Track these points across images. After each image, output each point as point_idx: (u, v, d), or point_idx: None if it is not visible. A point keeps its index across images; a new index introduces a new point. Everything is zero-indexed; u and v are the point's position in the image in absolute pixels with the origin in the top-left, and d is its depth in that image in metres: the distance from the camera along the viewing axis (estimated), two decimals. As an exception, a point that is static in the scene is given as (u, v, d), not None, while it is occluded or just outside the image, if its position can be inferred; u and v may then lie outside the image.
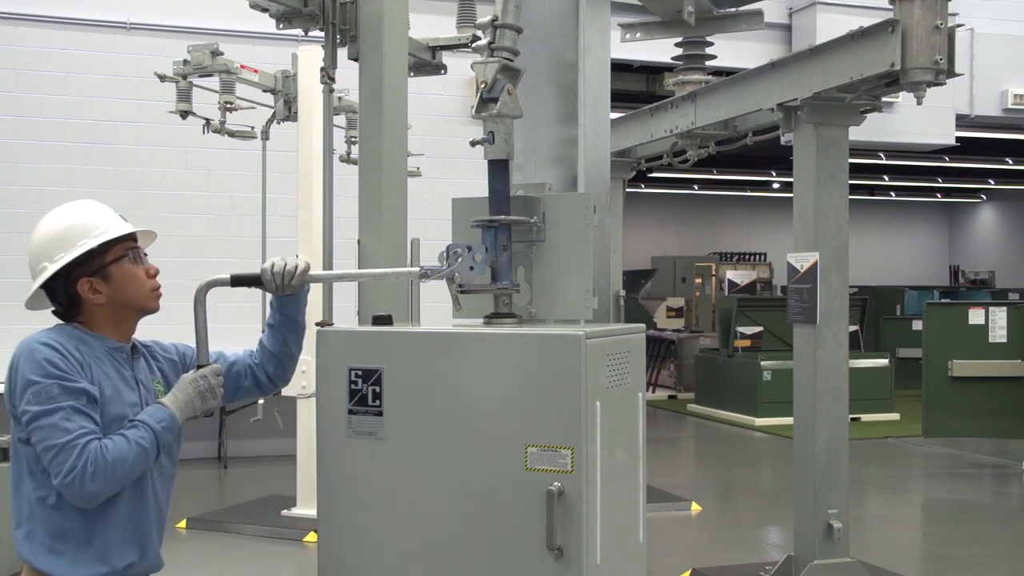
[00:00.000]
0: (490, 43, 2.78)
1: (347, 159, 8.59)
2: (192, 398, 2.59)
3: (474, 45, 2.86)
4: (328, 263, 4.52)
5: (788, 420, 6.40)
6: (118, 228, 2.60)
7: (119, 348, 2.60)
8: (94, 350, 2.52)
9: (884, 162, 17.43)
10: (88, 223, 2.59)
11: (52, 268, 2.58)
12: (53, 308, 2.69)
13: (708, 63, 6.77)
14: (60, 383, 2.36)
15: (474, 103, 2.77)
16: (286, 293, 2.83)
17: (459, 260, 2.70)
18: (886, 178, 20.94)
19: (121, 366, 2.57)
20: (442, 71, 5.44)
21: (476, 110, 2.76)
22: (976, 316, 10.10)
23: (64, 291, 2.60)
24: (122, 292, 2.58)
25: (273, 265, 2.77)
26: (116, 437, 2.39)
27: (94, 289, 2.56)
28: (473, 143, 2.80)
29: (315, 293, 5.78)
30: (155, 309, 2.70)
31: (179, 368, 2.78)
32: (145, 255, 2.69)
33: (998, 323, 10.03)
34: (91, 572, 2.44)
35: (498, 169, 2.83)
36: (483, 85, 2.75)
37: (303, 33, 4.85)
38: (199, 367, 2.68)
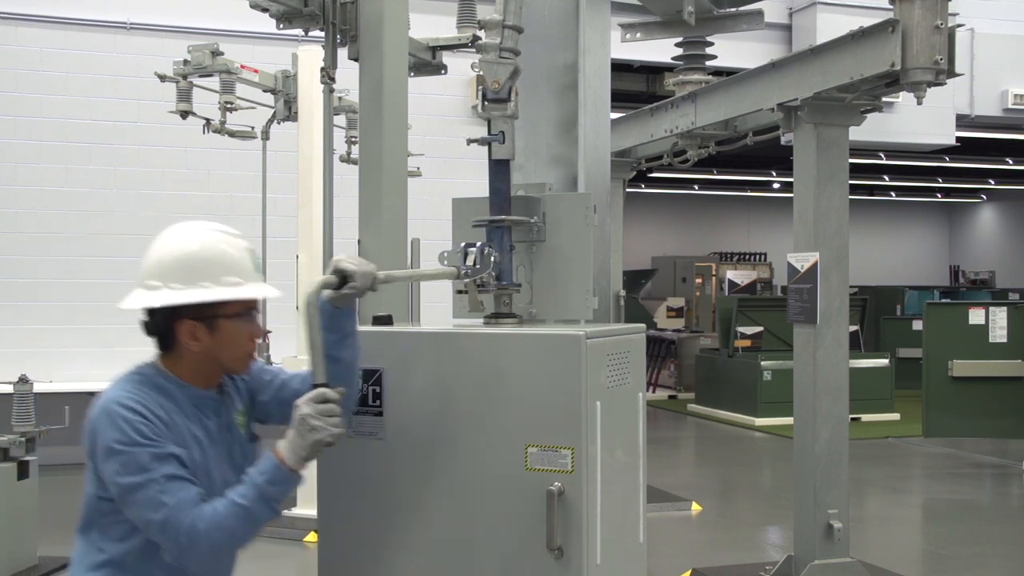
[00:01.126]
0: (500, 44, 2.79)
1: (347, 159, 8.59)
2: (293, 438, 2.22)
3: (476, 44, 2.86)
4: (328, 263, 4.51)
5: (788, 420, 6.40)
6: (255, 289, 2.33)
7: (205, 397, 2.35)
8: (179, 403, 2.28)
9: (884, 162, 17.43)
10: (223, 264, 2.28)
11: (163, 298, 2.28)
12: (145, 322, 2.40)
13: (708, 63, 6.77)
14: (148, 450, 2.14)
15: (476, 103, 2.77)
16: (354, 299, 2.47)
17: (492, 260, 2.69)
18: (886, 178, 20.94)
19: (207, 417, 2.34)
20: (442, 71, 5.44)
21: (484, 108, 2.75)
22: (976, 316, 10.10)
23: (161, 321, 2.33)
24: (221, 349, 2.30)
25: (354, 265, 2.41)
26: (218, 501, 2.16)
27: (194, 336, 2.28)
28: (480, 141, 2.80)
29: (315, 293, 5.79)
30: (242, 372, 2.42)
31: (254, 388, 2.52)
32: (256, 312, 2.41)
33: (998, 323, 10.03)
34: None
35: (503, 169, 2.84)
36: (495, 85, 2.75)
37: (303, 33, 4.85)
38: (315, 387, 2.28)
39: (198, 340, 2.28)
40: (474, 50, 3.64)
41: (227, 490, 2.19)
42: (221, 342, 2.29)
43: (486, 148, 2.86)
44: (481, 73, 2.79)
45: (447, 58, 5.44)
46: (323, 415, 2.21)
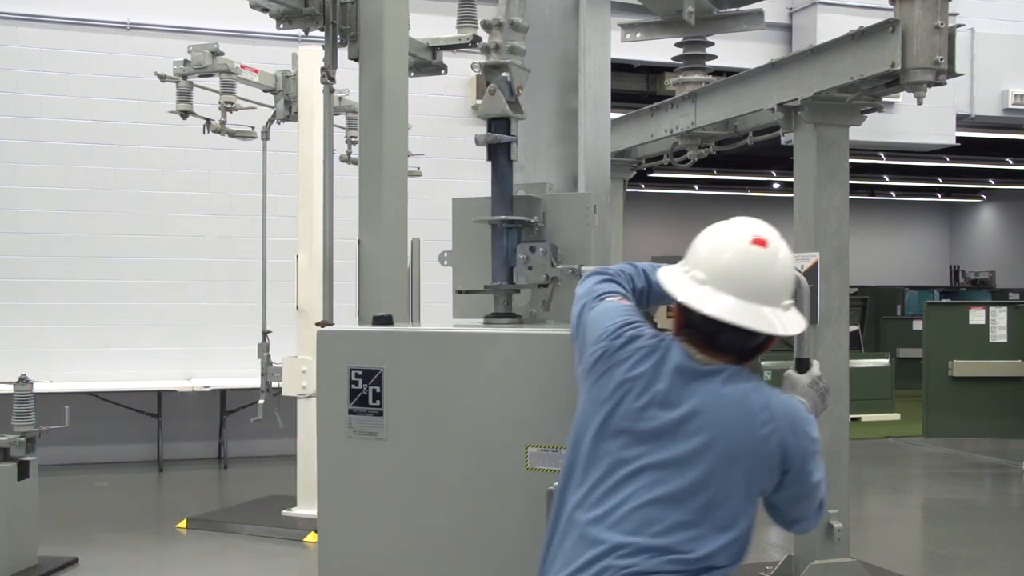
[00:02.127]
0: (511, 48, 2.83)
1: (347, 159, 8.58)
2: (816, 402, 2.41)
3: (481, 46, 2.87)
4: (328, 263, 4.51)
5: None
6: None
7: None
8: None
9: (884, 162, 17.41)
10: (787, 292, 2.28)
11: (796, 322, 2.24)
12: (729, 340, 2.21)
13: (708, 63, 6.76)
14: None
15: (476, 102, 2.80)
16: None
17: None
18: (886, 178, 20.93)
19: None
20: (442, 71, 5.43)
21: (515, 111, 2.81)
22: (976, 316, 10.10)
23: (765, 341, 2.25)
24: None
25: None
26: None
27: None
28: (497, 143, 2.82)
29: (315, 293, 5.79)
30: None
31: None
32: None
33: (998, 323, 10.02)
34: None
35: (511, 170, 2.87)
36: (520, 90, 2.80)
37: (303, 33, 4.85)
38: (799, 361, 2.47)
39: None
40: (477, 50, 3.64)
41: None
42: None
43: (486, 148, 2.86)
44: (480, 73, 2.80)
45: (447, 58, 5.44)
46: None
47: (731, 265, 2.16)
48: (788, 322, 2.19)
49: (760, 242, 2.19)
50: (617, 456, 2.14)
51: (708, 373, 2.16)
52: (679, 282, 2.20)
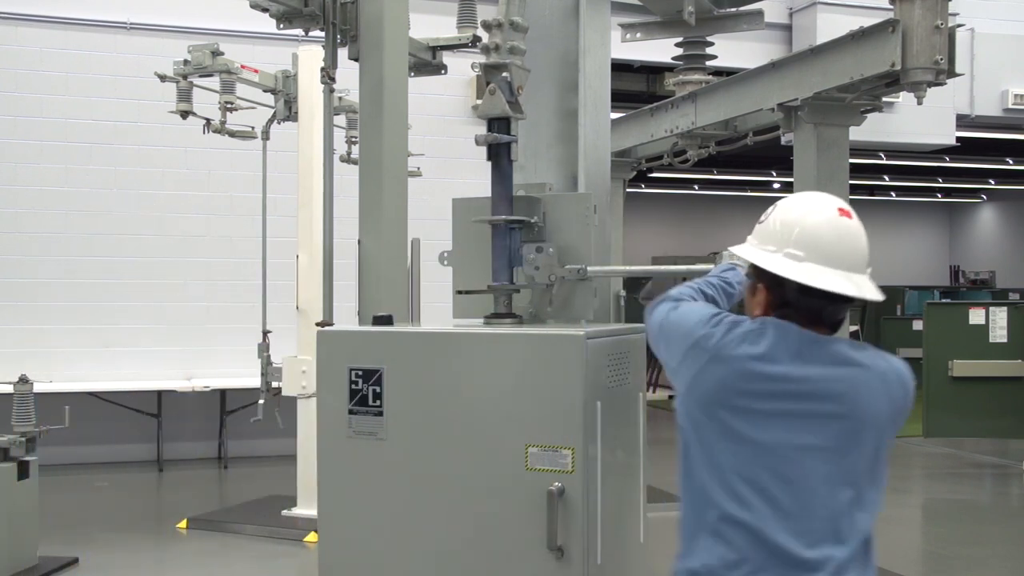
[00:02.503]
0: (511, 48, 2.84)
1: (347, 159, 8.58)
2: None
3: (482, 46, 2.87)
4: (328, 263, 4.51)
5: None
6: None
7: None
8: None
9: (884, 162, 17.41)
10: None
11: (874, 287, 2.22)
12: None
13: (708, 63, 6.76)
14: None
15: (476, 102, 2.81)
16: None
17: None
18: (886, 178, 20.92)
19: None
20: (442, 71, 5.44)
21: (515, 111, 2.81)
22: (976, 316, 10.09)
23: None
24: None
25: None
26: None
27: None
28: (498, 143, 2.82)
29: (315, 293, 5.79)
30: None
31: None
32: None
33: (998, 323, 10.02)
34: None
35: (511, 170, 2.87)
36: (520, 90, 2.80)
37: (303, 33, 4.85)
38: None
39: None
40: (477, 50, 3.64)
41: None
42: None
43: (486, 148, 2.86)
44: (480, 73, 2.81)
45: (447, 58, 5.44)
46: None
47: (831, 241, 2.15)
48: (873, 288, 2.20)
49: (846, 213, 2.20)
50: (782, 442, 2.09)
51: (831, 343, 2.16)
52: (782, 264, 2.14)
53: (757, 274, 2.22)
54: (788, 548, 2.04)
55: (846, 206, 2.20)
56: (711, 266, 2.77)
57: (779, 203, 2.28)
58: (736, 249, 2.32)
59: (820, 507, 2.08)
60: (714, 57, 6.80)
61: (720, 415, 2.12)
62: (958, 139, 12.34)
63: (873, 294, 2.16)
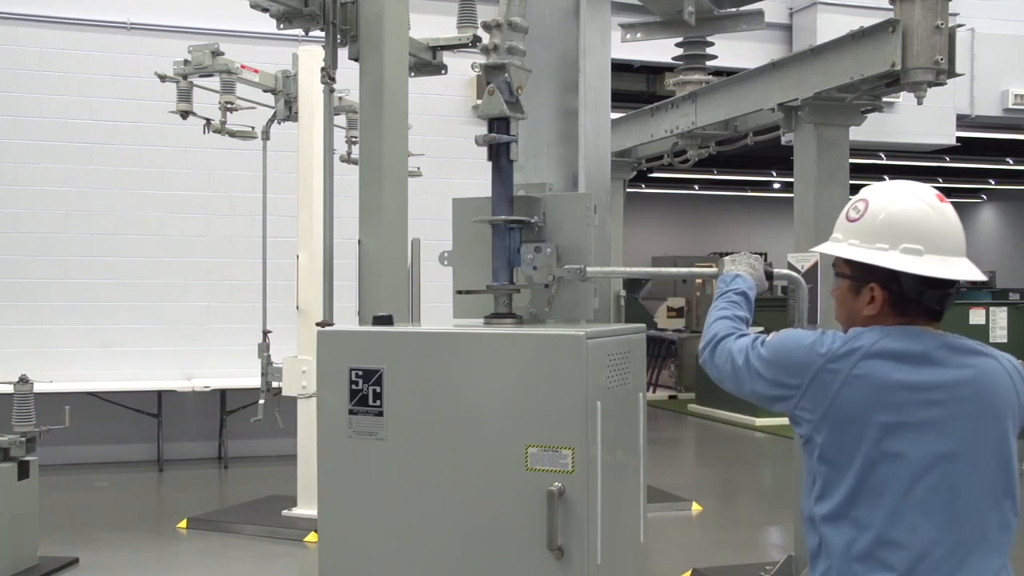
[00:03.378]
0: (514, 46, 2.84)
1: (348, 159, 8.58)
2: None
3: (482, 46, 2.87)
4: (328, 263, 4.51)
5: (788, 420, 6.39)
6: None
7: None
8: None
9: (884, 162, 17.41)
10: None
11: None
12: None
13: (708, 63, 6.76)
14: None
15: (476, 102, 2.81)
16: None
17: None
18: (886, 178, 20.93)
19: None
20: (442, 71, 5.44)
21: (515, 111, 2.81)
22: (977, 316, 10.10)
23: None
24: None
25: None
26: None
27: None
28: (498, 143, 2.82)
29: (315, 293, 5.79)
30: None
31: None
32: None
33: (999, 323, 10.03)
34: None
35: (511, 170, 2.87)
36: (520, 90, 2.80)
37: (303, 33, 4.85)
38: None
39: None
40: (476, 50, 3.64)
41: None
42: None
43: (486, 148, 2.86)
44: (480, 73, 2.81)
45: (447, 58, 5.44)
46: None
47: (942, 229, 2.12)
48: (973, 266, 2.19)
49: (942, 198, 2.17)
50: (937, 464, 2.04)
51: (957, 340, 2.18)
52: (910, 262, 2.08)
53: (864, 274, 2.14)
54: (948, 567, 2.00)
55: (936, 191, 2.18)
56: (712, 267, 2.76)
57: (869, 196, 2.19)
58: (834, 250, 2.20)
59: (980, 517, 2.05)
60: (714, 57, 6.80)
61: (869, 434, 2.04)
62: (958, 139, 12.34)
63: (978, 272, 2.17)
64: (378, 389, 2.60)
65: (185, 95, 7.31)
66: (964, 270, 2.12)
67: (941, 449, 2.04)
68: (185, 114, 7.35)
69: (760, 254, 2.77)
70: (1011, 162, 17.82)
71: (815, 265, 5.51)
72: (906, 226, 2.10)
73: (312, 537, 6.82)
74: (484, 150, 2.86)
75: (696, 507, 8.26)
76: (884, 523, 2.02)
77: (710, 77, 6.68)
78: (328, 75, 4.51)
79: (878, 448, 2.04)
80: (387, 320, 2.77)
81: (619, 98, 10.14)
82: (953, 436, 2.05)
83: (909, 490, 2.02)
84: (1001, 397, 2.11)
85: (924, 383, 2.06)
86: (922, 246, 2.09)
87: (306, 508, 7.22)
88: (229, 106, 7.54)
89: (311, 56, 7.18)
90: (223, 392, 9.91)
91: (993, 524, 2.06)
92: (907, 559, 2.01)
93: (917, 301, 2.12)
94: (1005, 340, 10.01)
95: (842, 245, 2.18)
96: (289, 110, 7.64)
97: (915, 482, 2.03)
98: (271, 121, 7.81)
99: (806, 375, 2.12)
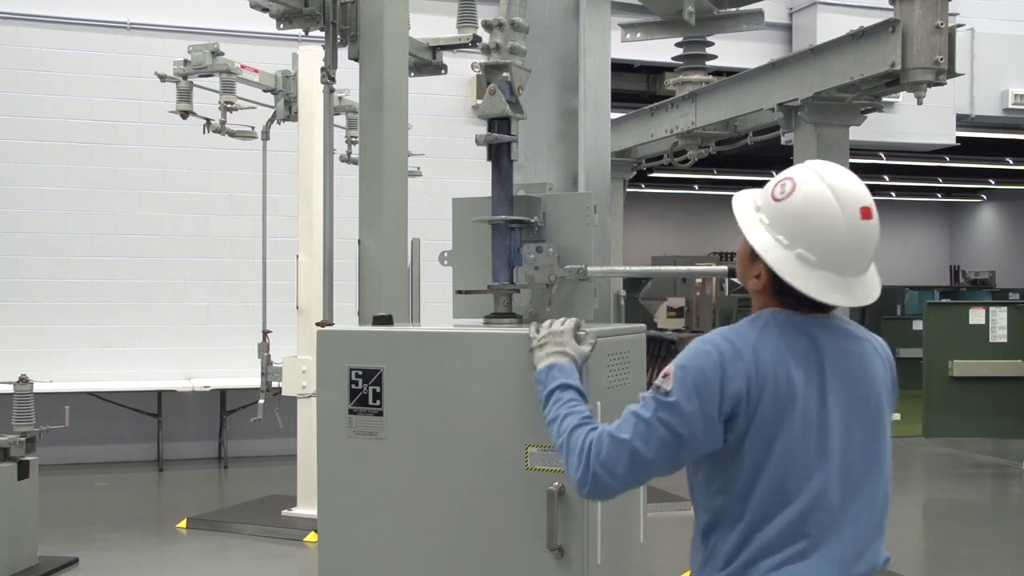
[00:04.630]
0: (516, 46, 2.84)
1: (348, 159, 8.58)
2: None
3: (482, 46, 2.87)
4: (328, 263, 4.51)
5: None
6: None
7: None
8: None
9: (884, 162, 17.40)
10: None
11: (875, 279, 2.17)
12: None
13: (708, 63, 6.77)
14: None
15: (476, 102, 2.81)
16: None
17: None
18: (886, 178, 20.92)
19: None
20: (442, 71, 5.44)
21: (516, 111, 2.81)
22: (976, 316, 10.10)
23: None
24: None
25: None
26: None
27: None
28: (498, 143, 2.82)
29: (315, 293, 5.80)
30: None
31: None
32: None
33: (998, 323, 10.02)
34: None
35: (511, 169, 2.87)
36: (520, 90, 2.80)
37: (303, 33, 4.86)
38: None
39: None
40: (477, 50, 3.64)
41: None
42: None
43: (486, 148, 2.86)
44: (480, 73, 2.81)
45: (447, 58, 5.44)
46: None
47: (849, 248, 2.03)
48: (873, 287, 2.11)
49: (868, 214, 2.05)
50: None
51: (835, 322, 2.13)
52: (794, 269, 2.02)
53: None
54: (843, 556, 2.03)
55: (869, 202, 2.06)
56: (714, 266, 2.76)
57: (799, 182, 2.07)
58: (742, 220, 2.13)
59: (872, 500, 2.11)
60: (714, 57, 6.81)
61: (762, 430, 2.02)
62: (958, 139, 12.34)
63: (874, 294, 2.10)
64: (378, 389, 2.60)
65: (185, 95, 7.31)
66: (847, 296, 2.04)
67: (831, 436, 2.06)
68: (185, 114, 7.35)
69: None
70: (1011, 162, 17.81)
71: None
72: (811, 232, 2.02)
73: (312, 537, 6.82)
74: (484, 150, 2.86)
75: (696, 507, 8.26)
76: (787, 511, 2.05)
77: (710, 77, 6.68)
78: (328, 75, 4.51)
79: (772, 438, 2.05)
80: (387, 320, 2.77)
81: (619, 98, 10.12)
82: (850, 422, 2.08)
83: (807, 478, 2.04)
84: (878, 379, 2.15)
85: (804, 378, 2.04)
86: (817, 258, 2.01)
87: (306, 508, 7.22)
88: (229, 106, 7.54)
89: (311, 56, 7.18)
90: (223, 392, 9.91)
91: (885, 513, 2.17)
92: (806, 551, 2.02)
93: (797, 297, 2.06)
94: (1005, 340, 10.01)
95: (753, 219, 2.12)
96: (289, 110, 7.64)
97: (809, 471, 2.04)
98: (271, 121, 7.81)
99: (712, 409, 2.05)
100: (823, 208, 2.03)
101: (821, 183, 2.06)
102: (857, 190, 2.07)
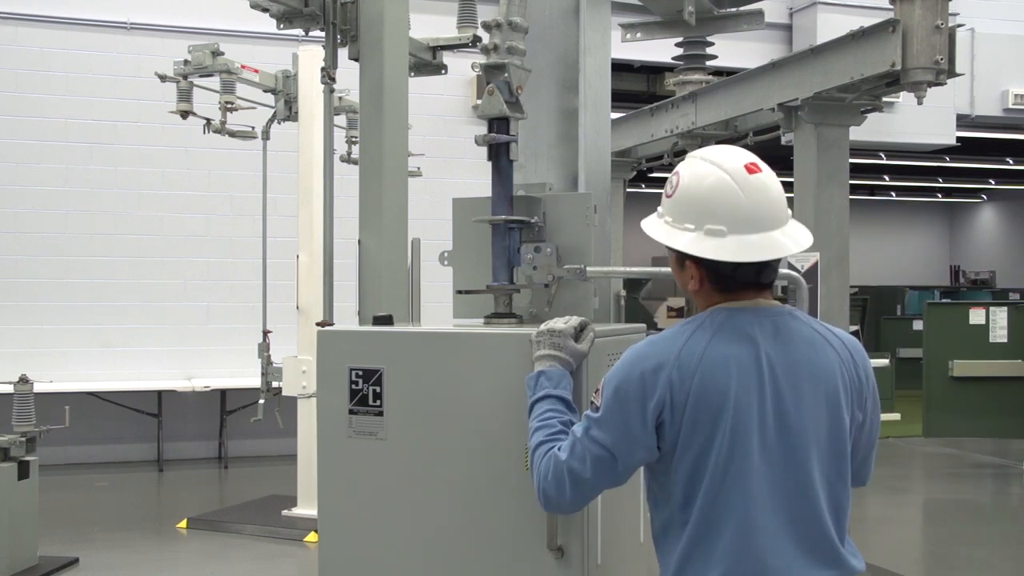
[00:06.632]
0: (515, 46, 2.84)
1: (348, 159, 8.58)
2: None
3: (482, 46, 2.87)
4: (328, 263, 4.51)
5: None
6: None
7: None
8: None
9: (884, 162, 17.40)
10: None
11: (803, 232, 2.12)
12: None
13: (708, 63, 6.77)
14: None
15: (476, 102, 2.81)
16: None
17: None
18: (886, 178, 20.92)
19: None
20: (442, 71, 5.44)
21: (515, 111, 2.80)
22: (977, 316, 10.10)
23: None
24: None
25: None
26: None
27: None
28: (498, 143, 2.82)
29: (315, 293, 5.79)
30: None
31: None
32: None
33: (999, 323, 10.03)
34: None
35: (511, 169, 2.87)
36: (520, 90, 2.79)
37: (304, 33, 4.86)
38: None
39: None
40: (477, 50, 3.64)
41: None
42: None
43: (486, 148, 2.86)
44: (480, 73, 2.80)
45: (447, 58, 5.44)
46: None
47: (749, 204, 2.01)
48: (800, 235, 2.07)
49: (755, 168, 2.05)
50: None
51: (785, 318, 2.07)
52: (707, 245, 2.00)
53: (682, 251, 2.08)
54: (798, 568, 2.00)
55: (752, 158, 2.07)
56: None
57: (682, 171, 2.10)
58: (650, 230, 2.15)
59: (816, 513, 2.09)
60: (714, 57, 6.81)
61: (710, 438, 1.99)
62: (958, 139, 12.35)
63: (805, 241, 2.05)
64: (378, 389, 2.59)
65: (185, 95, 7.31)
66: (772, 247, 2.00)
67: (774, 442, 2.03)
68: (185, 114, 7.35)
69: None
70: (1011, 162, 17.80)
71: (815, 265, 5.52)
72: (708, 204, 2.02)
73: (312, 537, 6.82)
74: (484, 150, 2.86)
75: (696, 507, 8.26)
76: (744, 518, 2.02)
77: (710, 77, 6.69)
78: (328, 75, 4.51)
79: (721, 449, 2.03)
80: (387, 320, 2.77)
81: (619, 98, 10.13)
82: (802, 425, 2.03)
83: (764, 486, 2.02)
84: (834, 376, 2.06)
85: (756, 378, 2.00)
86: (725, 226, 2.00)
87: (306, 508, 7.22)
88: (229, 106, 7.54)
89: (311, 56, 7.18)
90: (223, 392, 9.91)
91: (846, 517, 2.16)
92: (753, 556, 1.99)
93: (734, 277, 2.04)
94: (1005, 340, 10.02)
95: (657, 223, 2.14)
96: (289, 110, 7.64)
97: (759, 479, 2.01)
98: (271, 121, 7.81)
99: (642, 417, 2.04)
100: (708, 179, 2.05)
101: (700, 161, 2.10)
102: (736, 153, 2.09)
